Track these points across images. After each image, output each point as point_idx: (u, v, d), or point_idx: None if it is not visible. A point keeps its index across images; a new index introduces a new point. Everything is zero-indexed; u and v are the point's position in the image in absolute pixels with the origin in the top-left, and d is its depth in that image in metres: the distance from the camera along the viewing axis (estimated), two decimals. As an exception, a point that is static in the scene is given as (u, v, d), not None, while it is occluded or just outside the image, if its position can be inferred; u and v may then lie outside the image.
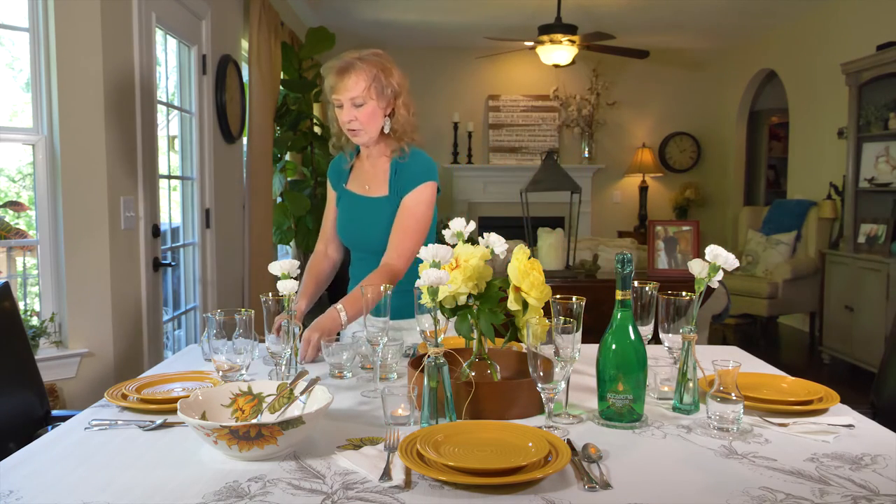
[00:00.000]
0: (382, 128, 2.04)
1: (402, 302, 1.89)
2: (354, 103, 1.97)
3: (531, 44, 5.80)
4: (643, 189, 8.11)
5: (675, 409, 1.51)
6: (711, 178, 8.19)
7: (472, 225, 1.70)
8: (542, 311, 1.51)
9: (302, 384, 1.39)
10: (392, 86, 2.01)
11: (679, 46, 7.89)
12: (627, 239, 5.66)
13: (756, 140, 8.16)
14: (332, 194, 2.25)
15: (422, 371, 1.39)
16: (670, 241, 3.64)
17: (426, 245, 1.43)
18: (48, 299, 2.75)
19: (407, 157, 2.09)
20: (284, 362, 1.60)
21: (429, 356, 1.39)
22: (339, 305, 1.88)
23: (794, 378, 1.68)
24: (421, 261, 1.45)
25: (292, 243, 5.61)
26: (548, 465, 1.15)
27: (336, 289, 2.38)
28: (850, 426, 1.40)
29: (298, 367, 1.73)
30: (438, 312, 1.43)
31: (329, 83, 1.99)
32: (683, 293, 1.58)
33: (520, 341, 1.58)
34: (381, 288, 1.63)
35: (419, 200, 2.05)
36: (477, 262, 1.51)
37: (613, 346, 1.41)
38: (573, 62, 6.01)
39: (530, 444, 1.22)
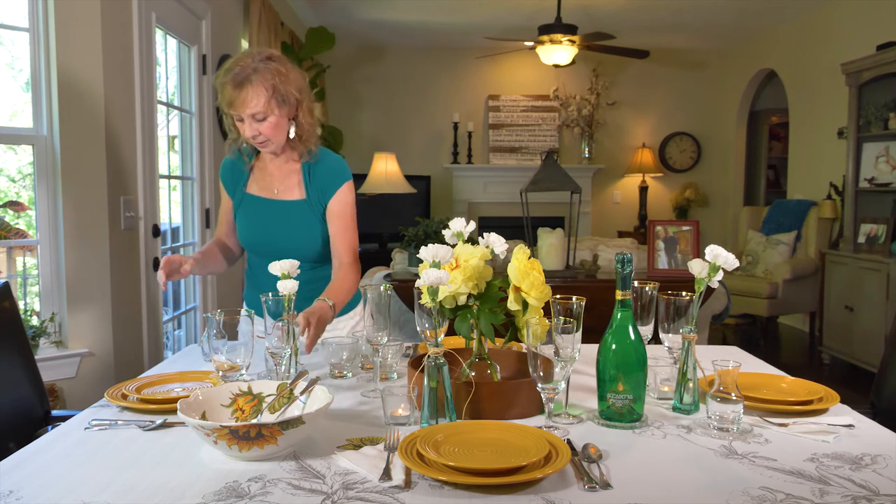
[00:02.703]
0: (287, 134, 1.97)
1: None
2: (256, 118, 1.88)
3: (531, 44, 5.80)
4: (643, 189, 8.11)
5: (675, 409, 1.51)
6: (711, 178, 8.19)
7: (472, 225, 1.70)
8: (542, 311, 1.51)
9: (302, 384, 1.39)
10: (292, 93, 1.92)
11: (679, 46, 7.89)
12: (627, 239, 5.66)
13: (756, 140, 8.16)
14: (227, 199, 2.14)
15: (422, 371, 1.39)
16: (670, 241, 3.64)
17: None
18: (48, 299, 2.75)
19: (317, 157, 2.05)
20: (284, 362, 1.60)
21: (429, 356, 1.39)
22: (323, 297, 1.84)
23: (793, 378, 1.68)
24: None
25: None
26: (548, 465, 1.15)
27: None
28: (850, 426, 1.40)
29: (298, 367, 1.73)
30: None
31: (227, 97, 1.86)
32: (683, 293, 1.58)
33: (520, 341, 1.58)
34: (382, 288, 1.63)
35: (347, 202, 2.05)
36: (477, 262, 1.51)
37: (613, 346, 1.41)
38: (573, 62, 6.00)
39: (530, 445, 1.22)
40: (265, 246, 2.06)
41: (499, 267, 1.93)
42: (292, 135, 1.98)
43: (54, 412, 1.95)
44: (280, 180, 2.07)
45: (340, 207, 2.03)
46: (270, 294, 1.61)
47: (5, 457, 1.25)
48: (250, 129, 1.89)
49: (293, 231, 2.04)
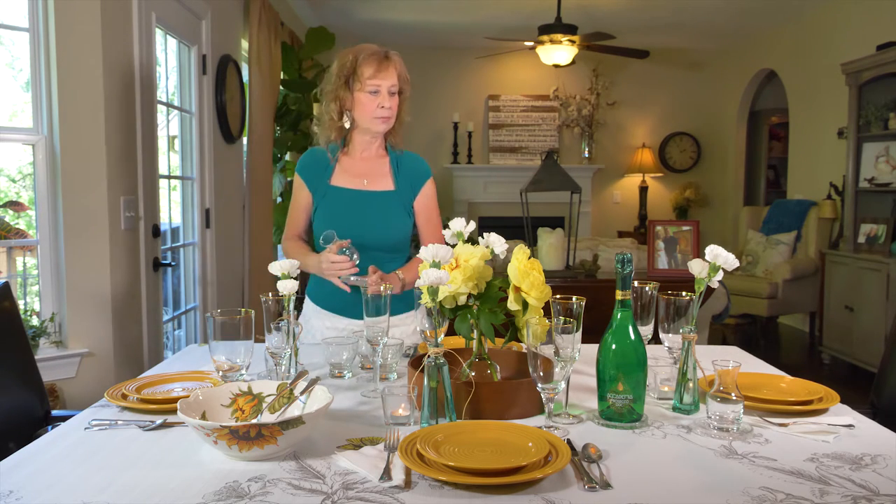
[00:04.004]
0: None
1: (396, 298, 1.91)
2: (391, 91, 2.04)
3: (531, 44, 5.80)
4: (643, 189, 8.11)
5: (675, 409, 1.51)
6: (711, 178, 8.19)
7: (472, 225, 1.70)
8: (542, 311, 1.51)
9: (302, 384, 1.39)
10: (406, 86, 2.10)
11: (679, 46, 7.89)
12: (627, 239, 5.65)
13: (756, 140, 8.16)
14: (304, 192, 2.18)
15: (422, 371, 1.39)
16: (670, 241, 3.64)
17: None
18: (48, 299, 2.75)
19: (402, 152, 2.19)
20: (284, 362, 1.60)
21: (429, 356, 1.39)
22: (396, 271, 2.02)
23: (793, 378, 1.68)
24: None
25: (292, 243, 5.60)
26: (548, 465, 1.15)
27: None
28: (850, 426, 1.40)
29: (298, 367, 1.73)
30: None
31: (368, 69, 2.01)
32: (683, 293, 1.58)
33: (520, 341, 1.58)
34: (381, 288, 1.63)
35: (433, 195, 2.22)
36: (477, 262, 1.51)
37: (613, 346, 1.41)
38: (573, 62, 6.01)
39: (530, 444, 1.22)
40: (350, 237, 2.09)
41: (499, 267, 1.94)
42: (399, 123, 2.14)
43: (54, 412, 1.95)
44: (369, 171, 2.16)
45: (427, 200, 2.19)
46: (270, 294, 1.61)
47: (5, 457, 1.25)
48: (386, 99, 2.03)
49: (382, 221, 2.11)
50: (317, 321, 2.18)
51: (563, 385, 1.39)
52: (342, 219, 2.11)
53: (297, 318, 1.83)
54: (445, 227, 1.69)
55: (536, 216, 3.81)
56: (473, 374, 1.53)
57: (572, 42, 5.60)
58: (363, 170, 2.16)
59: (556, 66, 5.88)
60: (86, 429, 1.39)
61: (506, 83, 8.05)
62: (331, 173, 2.16)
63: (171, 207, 3.77)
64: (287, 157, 5.63)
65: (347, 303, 2.06)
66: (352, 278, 1.91)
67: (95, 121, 2.76)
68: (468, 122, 7.93)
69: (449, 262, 1.48)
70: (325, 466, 1.20)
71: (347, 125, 2.11)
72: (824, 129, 6.14)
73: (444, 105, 7.91)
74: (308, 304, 2.24)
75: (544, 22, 5.64)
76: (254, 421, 1.34)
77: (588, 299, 1.48)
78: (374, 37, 7.28)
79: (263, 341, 1.61)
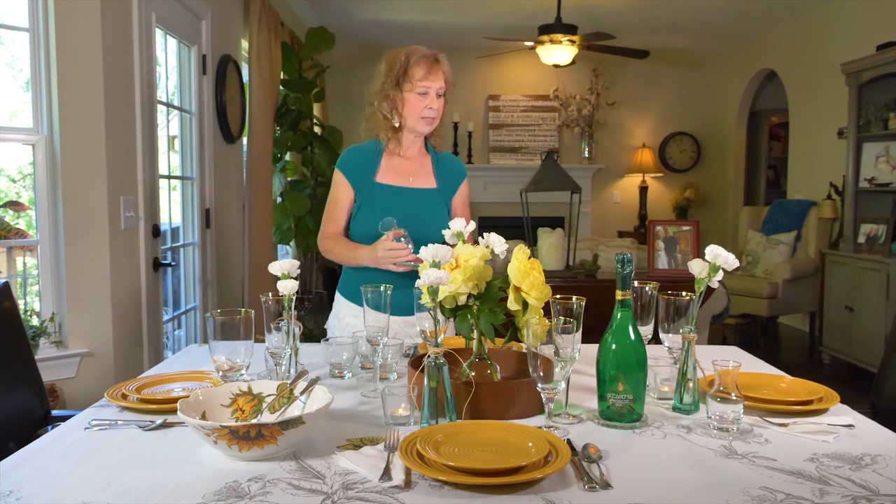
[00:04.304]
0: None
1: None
2: (438, 93, 2.12)
3: (531, 44, 5.80)
4: (643, 189, 8.11)
5: (675, 409, 1.51)
6: (711, 178, 8.19)
7: (473, 225, 1.70)
8: (542, 311, 1.51)
9: (302, 384, 1.39)
10: (451, 88, 2.17)
11: (679, 46, 7.89)
12: (627, 239, 5.65)
13: (756, 140, 8.15)
14: (346, 189, 2.21)
15: (422, 371, 1.39)
16: (670, 241, 3.64)
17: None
18: (48, 299, 2.75)
19: (440, 151, 2.30)
20: (284, 362, 1.60)
21: (429, 356, 1.39)
22: None
23: (793, 378, 1.68)
24: None
25: (292, 243, 5.61)
26: (548, 465, 1.15)
27: (332, 280, 2.39)
28: (850, 426, 1.40)
29: (298, 367, 1.73)
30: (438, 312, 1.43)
31: (420, 71, 2.09)
32: (683, 293, 1.58)
33: (520, 341, 1.58)
34: (381, 287, 1.63)
35: (467, 194, 2.36)
36: (477, 262, 1.51)
37: (613, 346, 1.41)
38: (573, 62, 6.00)
39: (530, 444, 1.22)
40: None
41: (499, 267, 1.94)
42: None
43: (54, 412, 1.95)
44: (414, 169, 2.24)
45: (463, 199, 2.34)
46: (270, 294, 1.61)
47: (5, 457, 1.25)
48: (434, 100, 2.12)
49: (426, 217, 2.17)
50: (352, 319, 2.19)
51: (563, 385, 1.39)
52: (388, 215, 2.13)
53: (300, 316, 1.82)
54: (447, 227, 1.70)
55: (536, 216, 3.81)
56: (473, 374, 1.52)
57: (572, 42, 5.60)
58: (409, 168, 2.23)
59: (556, 66, 5.88)
60: (86, 429, 1.39)
61: (506, 83, 8.05)
62: (376, 170, 2.21)
63: (171, 207, 3.77)
64: (287, 157, 5.63)
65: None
66: (411, 264, 1.97)
67: (95, 121, 2.76)
68: (468, 122, 7.92)
69: (449, 262, 1.48)
70: (325, 466, 1.20)
71: (397, 124, 2.16)
72: (824, 129, 6.14)
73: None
74: (341, 301, 2.25)
75: (544, 22, 5.64)
76: (254, 421, 1.34)
77: (588, 299, 1.48)
78: (375, 37, 7.31)
79: (263, 341, 1.61)
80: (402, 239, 1.98)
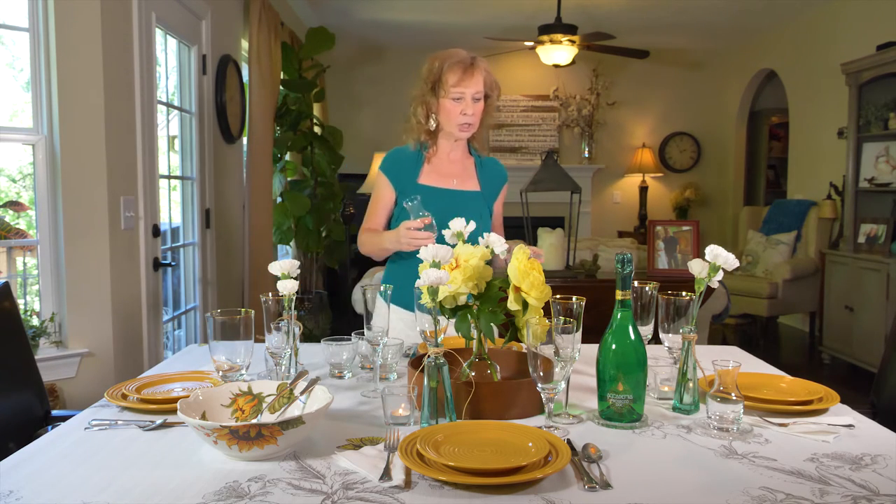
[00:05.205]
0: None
1: None
2: (475, 98, 2.10)
3: (531, 44, 5.80)
4: (643, 189, 8.11)
5: (675, 409, 1.51)
6: (711, 178, 8.19)
7: (473, 225, 1.70)
8: (542, 311, 1.51)
9: (302, 384, 1.39)
10: (493, 91, 2.15)
11: (679, 46, 7.89)
12: (627, 239, 5.65)
13: (756, 140, 8.15)
14: (388, 190, 2.23)
15: (422, 371, 1.39)
16: (670, 241, 3.64)
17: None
18: (48, 299, 2.75)
19: (483, 155, 2.31)
20: (284, 362, 1.60)
21: (429, 356, 1.39)
22: None
23: (793, 378, 1.68)
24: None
25: (292, 243, 5.61)
26: (548, 465, 1.15)
27: (332, 280, 2.38)
28: (850, 426, 1.40)
29: (298, 367, 1.73)
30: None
31: (453, 77, 2.08)
32: (683, 293, 1.58)
33: (520, 341, 1.58)
34: (382, 288, 1.63)
35: (504, 197, 2.37)
36: (477, 262, 1.51)
37: (613, 346, 1.41)
38: (573, 62, 6.00)
39: (530, 444, 1.22)
40: (440, 234, 2.09)
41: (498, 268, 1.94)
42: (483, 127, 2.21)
43: (54, 412, 1.95)
44: (459, 172, 2.25)
45: (501, 203, 2.36)
46: (270, 294, 1.61)
47: (5, 457, 1.25)
48: (469, 106, 2.10)
49: (469, 219, 2.11)
50: (397, 322, 2.15)
51: (563, 385, 1.39)
52: (432, 216, 2.13)
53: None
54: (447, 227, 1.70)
55: (536, 216, 3.81)
56: (473, 374, 1.53)
57: (572, 42, 5.60)
58: (452, 170, 2.24)
59: (556, 66, 5.88)
60: (86, 429, 1.39)
61: (506, 83, 8.01)
62: (419, 172, 2.22)
63: (171, 207, 3.77)
64: (287, 157, 5.63)
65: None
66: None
67: (95, 121, 2.76)
68: (468, 122, 7.91)
69: (449, 262, 1.48)
70: (325, 466, 1.20)
71: (433, 128, 2.17)
72: (824, 129, 6.14)
73: (444, 105, 7.90)
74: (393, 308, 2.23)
75: (544, 22, 5.64)
76: (254, 421, 1.34)
77: (588, 299, 1.48)
78: (375, 37, 7.31)
79: (263, 341, 1.61)
80: (430, 228, 1.97)
